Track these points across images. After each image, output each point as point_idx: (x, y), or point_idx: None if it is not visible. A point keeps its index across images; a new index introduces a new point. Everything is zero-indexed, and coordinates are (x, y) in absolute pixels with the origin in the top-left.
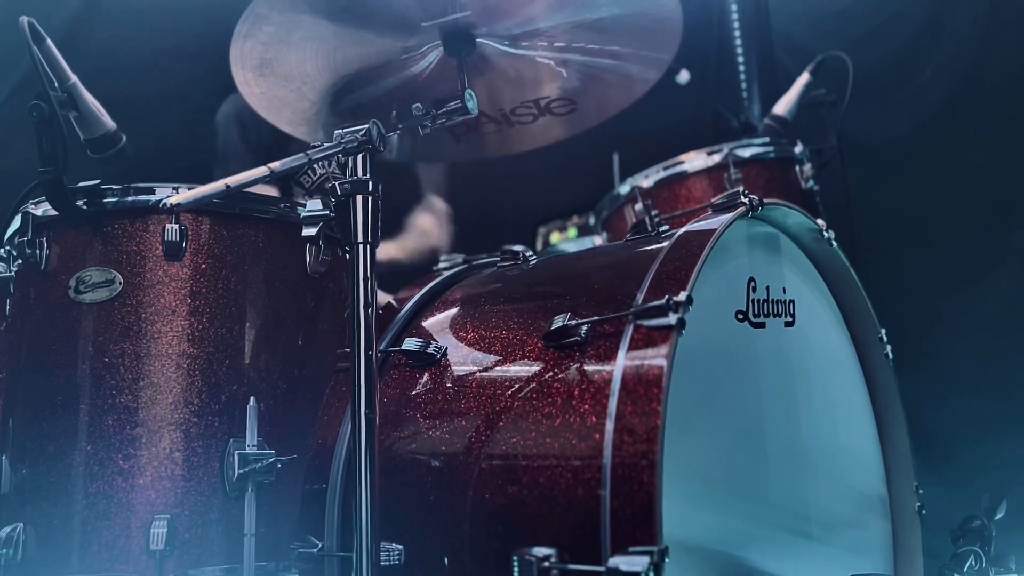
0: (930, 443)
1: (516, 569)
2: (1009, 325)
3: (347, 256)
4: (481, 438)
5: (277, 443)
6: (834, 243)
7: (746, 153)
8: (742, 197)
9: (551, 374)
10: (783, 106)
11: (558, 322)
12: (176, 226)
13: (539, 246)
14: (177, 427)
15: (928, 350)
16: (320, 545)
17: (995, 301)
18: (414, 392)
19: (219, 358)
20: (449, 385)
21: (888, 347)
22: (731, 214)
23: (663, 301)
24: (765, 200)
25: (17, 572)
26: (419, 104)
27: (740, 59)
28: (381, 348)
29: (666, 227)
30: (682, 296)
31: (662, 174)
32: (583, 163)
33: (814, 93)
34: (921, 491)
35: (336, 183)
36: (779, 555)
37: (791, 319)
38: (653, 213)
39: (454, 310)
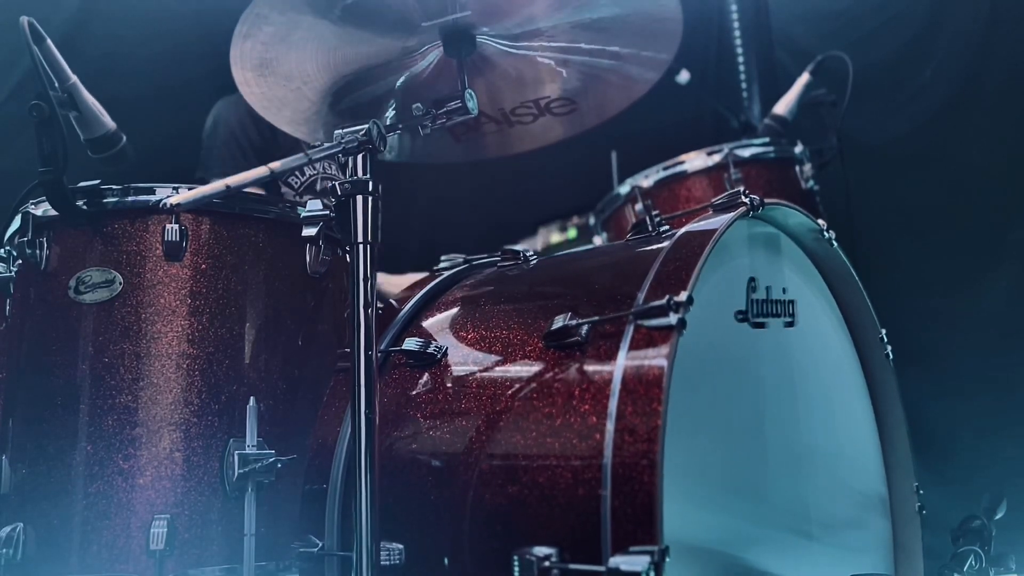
0: (930, 443)
1: (516, 569)
2: (1009, 324)
3: (347, 256)
4: (481, 438)
5: (277, 443)
6: (835, 243)
7: (746, 153)
8: (743, 197)
9: (551, 374)
10: (783, 106)
11: (558, 322)
12: (176, 226)
13: (539, 246)
14: (177, 427)
15: (928, 350)
16: (320, 544)
17: (995, 300)
18: (414, 392)
19: (219, 358)
20: (449, 385)
21: (888, 347)
22: (732, 214)
23: (664, 301)
24: (766, 200)
25: (17, 572)
26: (419, 104)
27: (740, 59)
28: (381, 348)
29: (667, 227)
30: (683, 296)
31: (662, 174)
32: (583, 163)
33: (814, 93)
34: (921, 491)
35: (333, 183)
36: (779, 555)
37: (791, 319)
38: (653, 213)
39: (454, 310)
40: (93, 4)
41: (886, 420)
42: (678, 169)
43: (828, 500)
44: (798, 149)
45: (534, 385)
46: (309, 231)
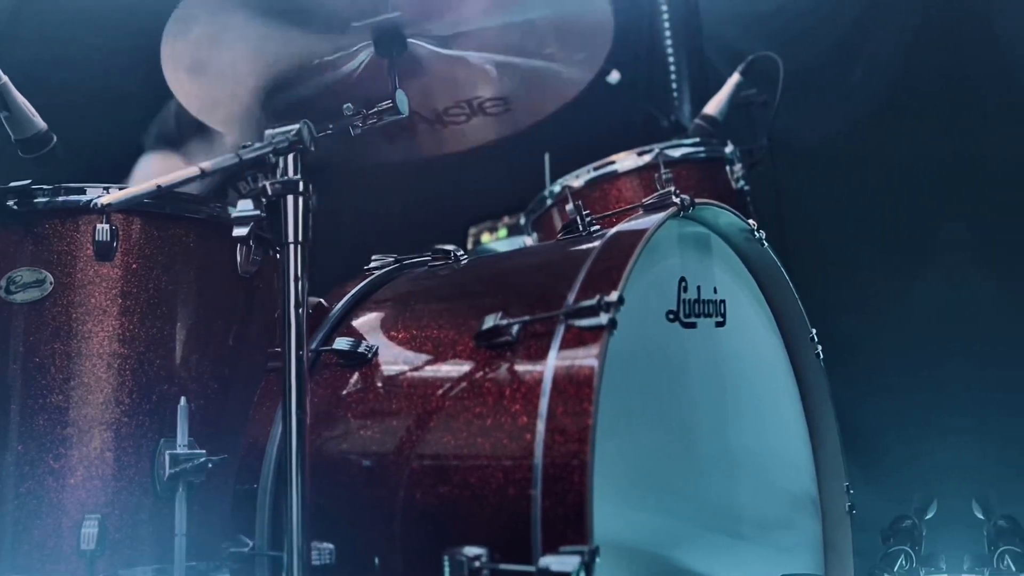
0: (861, 443)
1: (447, 569)
2: (939, 325)
3: (278, 256)
4: (412, 438)
5: (208, 443)
6: (765, 243)
7: (677, 153)
8: (673, 197)
9: (482, 374)
10: (714, 106)
11: (489, 322)
12: (107, 226)
13: (469, 247)
14: (108, 427)
15: (859, 350)
16: (251, 544)
17: (925, 300)
18: (345, 392)
19: (150, 358)
20: (380, 385)
21: (819, 347)
22: (663, 214)
23: (594, 301)
24: (696, 200)
25: None
26: (350, 104)
27: (671, 59)
28: (312, 348)
29: (598, 227)
30: (613, 296)
31: (593, 174)
32: (514, 163)
33: (745, 93)
34: (852, 491)
35: (264, 183)
36: (710, 555)
37: (722, 319)
38: (584, 213)
39: (386, 309)
40: (25, 5)
41: (816, 420)
42: (609, 169)
43: (759, 500)
44: (729, 149)
45: (465, 385)
46: (240, 231)
